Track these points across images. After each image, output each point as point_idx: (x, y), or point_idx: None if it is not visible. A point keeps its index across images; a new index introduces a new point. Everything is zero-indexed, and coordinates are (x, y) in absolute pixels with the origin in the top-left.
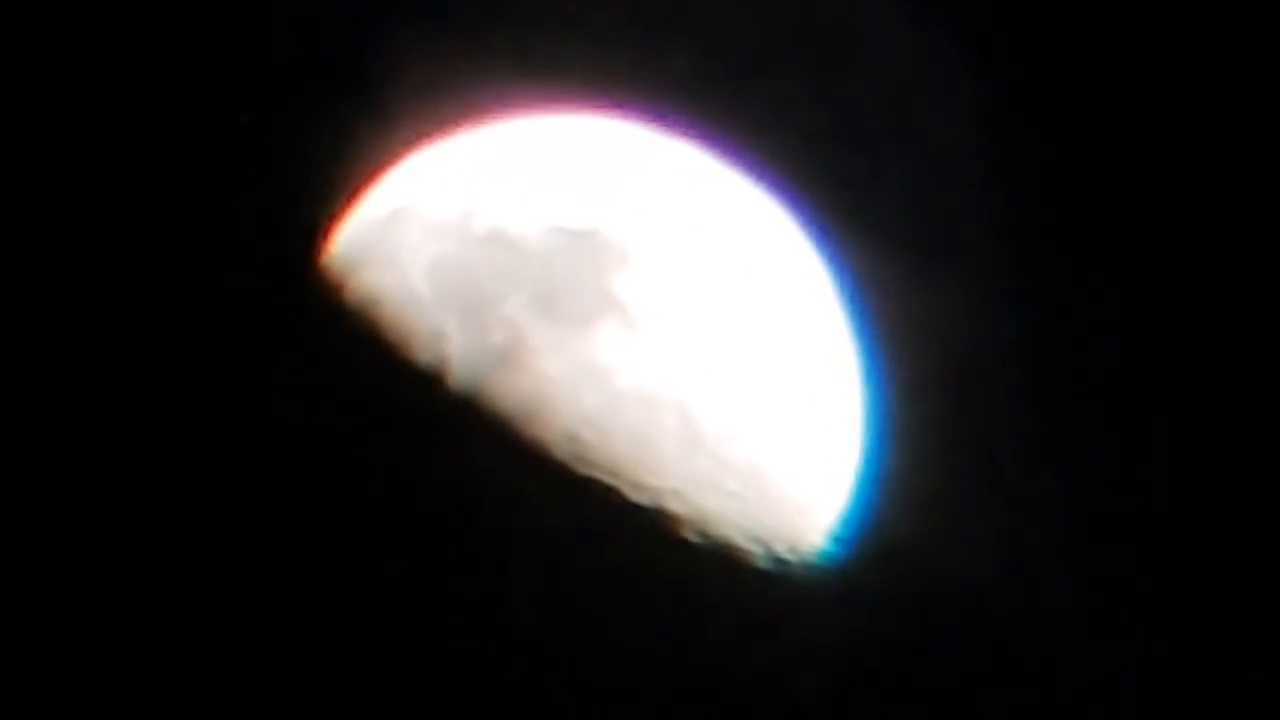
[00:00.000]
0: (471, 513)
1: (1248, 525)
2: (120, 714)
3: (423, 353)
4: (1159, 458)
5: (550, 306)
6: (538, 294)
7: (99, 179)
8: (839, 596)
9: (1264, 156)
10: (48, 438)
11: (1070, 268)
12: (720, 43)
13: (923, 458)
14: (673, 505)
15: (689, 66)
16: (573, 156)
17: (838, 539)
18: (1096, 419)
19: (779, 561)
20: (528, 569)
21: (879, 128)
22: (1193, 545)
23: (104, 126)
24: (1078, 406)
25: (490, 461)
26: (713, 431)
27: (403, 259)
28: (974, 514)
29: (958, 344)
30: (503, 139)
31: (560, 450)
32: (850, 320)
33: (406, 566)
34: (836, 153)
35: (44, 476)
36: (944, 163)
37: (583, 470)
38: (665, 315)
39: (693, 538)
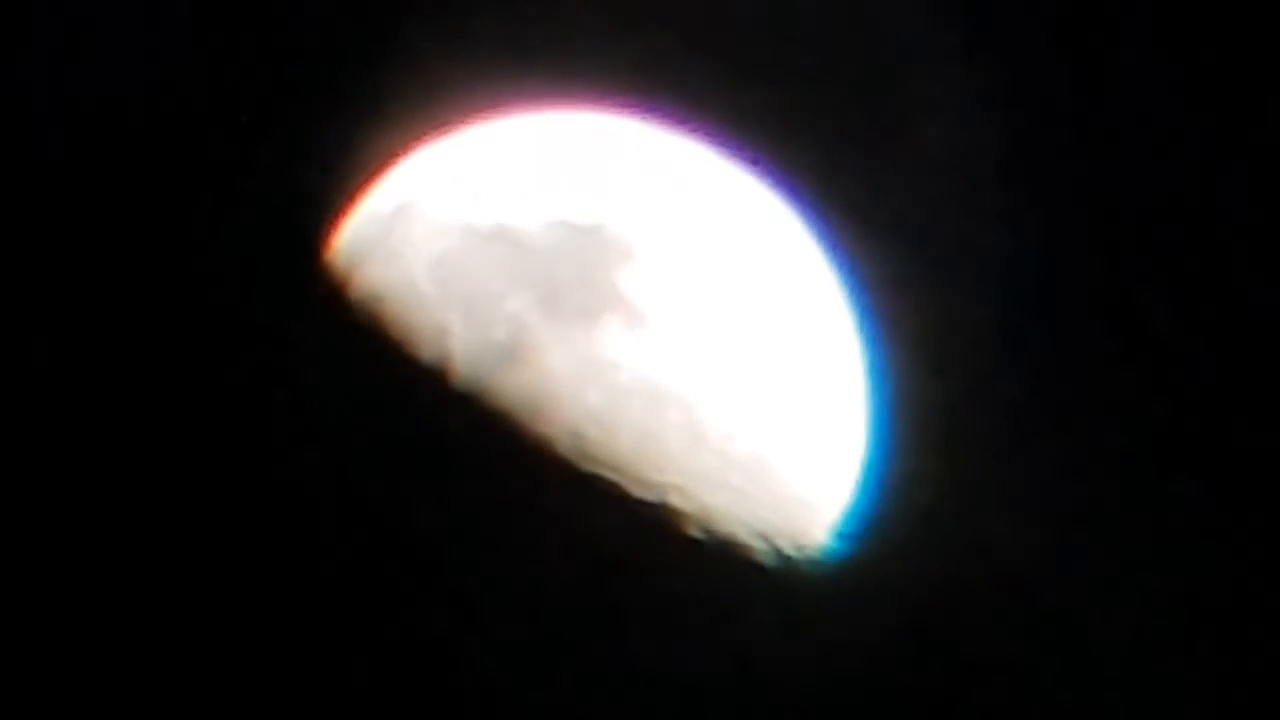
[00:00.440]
0: (475, 509)
1: (1249, 524)
2: (123, 714)
3: (426, 349)
4: (1163, 457)
5: (554, 303)
6: (542, 290)
7: (103, 177)
8: (843, 592)
9: (1267, 158)
10: (51, 435)
11: (1074, 265)
12: (725, 39)
13: (927, 454)
14: (677, 501)
15: (693, 63)
16: (577, 152)
17: (842, 535)
18: (1100, 416)
19: (783, 557)
20: (531, 565)
21: (885, 125)
22: (1194, 543)
23: (108, 123)
24: (1082, 404)
25: (494, 457)
26: (717, 427)
27: (406, 255)
28: (977, 511)
29: (962, 341)
30: (507, 135)
31: (564, 446)
32: (855, 316)
33: (409, 563)
34: (842, 150)
35: (47, 473)
36: (949, 160)
37: (587, 466)
38: (669, 311)
39: (697, 534)
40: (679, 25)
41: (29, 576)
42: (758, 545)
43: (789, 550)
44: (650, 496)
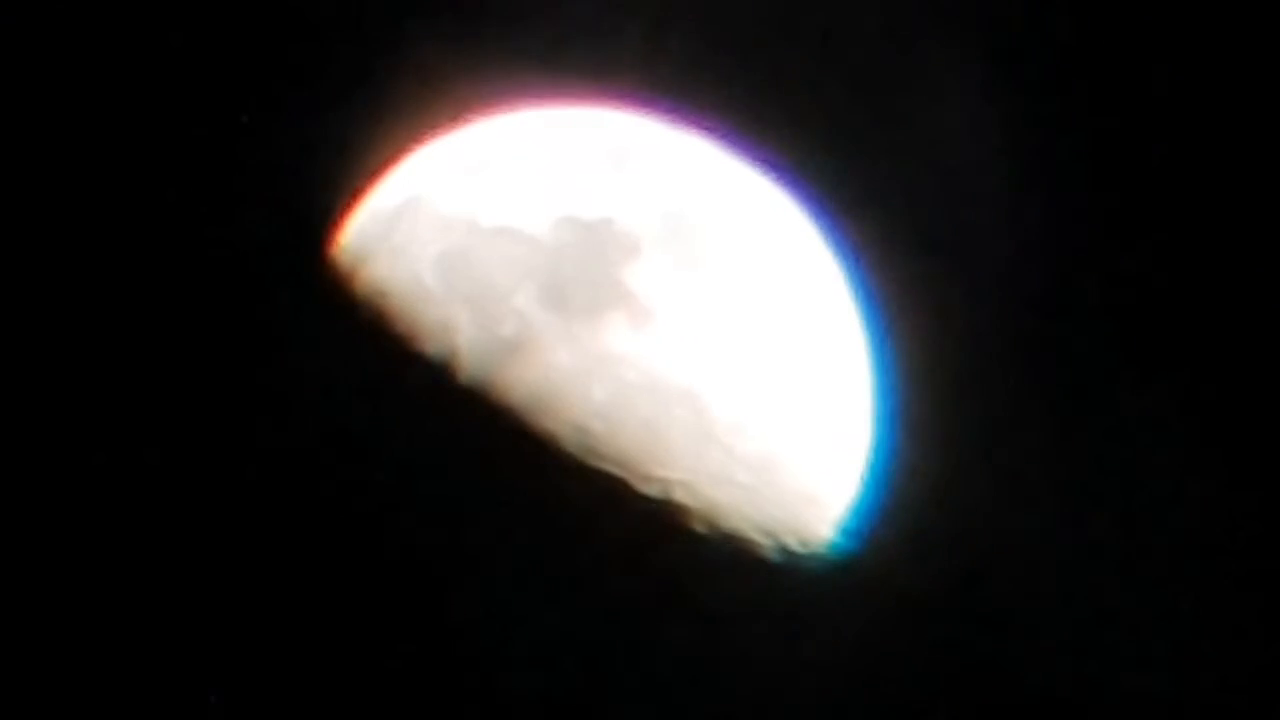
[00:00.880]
0: (480, 505)
1: (1252, 522)
2: (127, 713)
3: (432, 345)
4: (1168, 453)
5: (560, 298)
6: (547, 285)
7: (106, 175)
8: (848, 589)
9: (1271, 157)
10: (54, 432)
11: (1080, 263)
12: (731, 34)
13: (932, 450)
14: (682, 497)
15: (699, 58)
16: (582, 148)
17: (847, 531)
18: (1106, 412)
19: (788, 553)
20: (535, 561)
21: (891, 120)
22: (1196, 541)
23: (113, 119)
24: (1087, 403)
25: (500, 453)
26: (723, 423)
27: (412, 251)
28: (983, 506)
29: (968, 336)
30: (512, 131)
31: (569, 442)
32: (860, 312)
33: (413, 559)
34: (848, 144)
35: (51, 468)
36: (955, 155)
37: (592, 462)
38: (675, 307)
39: (702, 530)
40: (685, 20)
41: (34, 573)
42: (763, 541)
43: (794, 546)
44: (656, 492)
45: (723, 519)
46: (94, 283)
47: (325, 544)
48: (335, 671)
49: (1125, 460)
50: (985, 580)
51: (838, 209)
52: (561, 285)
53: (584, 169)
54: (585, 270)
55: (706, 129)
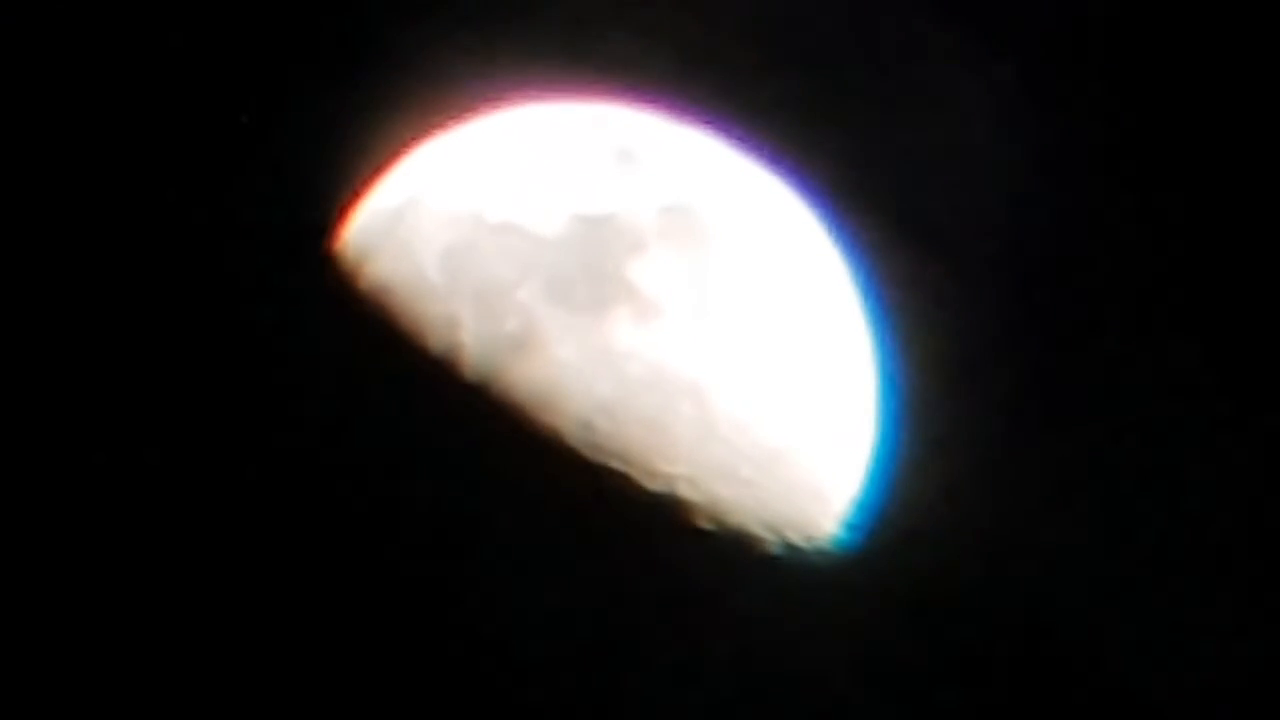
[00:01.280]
0: (483, 501)
1: (1255, 522)
2: (128, 713)
3: (436, 340)
4: (1174, 448)
5: (564, 293)
6: (551, 281)
7: (110, 173)
8: (853, 584)
9: (1273, 155)
10: (55, 428)
11: (1083, 260)
12: (738, 30)
13: (937, 445)
14: (686, 492)
15: (703, 53)
16: (586, 143)
17: (852, 527)
18: (1109, 411)
19: (793, 549)
20: (539, 557)
21: (896, 116)
22: (1201, 538)
23: (115, 118)
24: (1092, 399)
25: (503, 449)
26: (727, 419)
27: (416, 247)
28: (987, 501)
29: (973, 331)
30: (516, 126)
31: (574, 437)
32: (865, 307)
33: (416, 554)
34: (853, 141)
35: (51, 466)
36: (961, 150)
37: (596, 457)
38: (680, 302)
39: (706, 525)
40: (690, 16)
41: (36, 572)
42: (767, 536)
43: (799, 541)
44: (660, 487)
45: (727, 514)
46: (96, 281)
47: (329, 540)
48: (339, 669)
49: (1131, 455)
50: (989, 575)
51: (842, 204)
52: (566, 280)
53: (588, 164)
54: (590, 265)
55: (710, 124)
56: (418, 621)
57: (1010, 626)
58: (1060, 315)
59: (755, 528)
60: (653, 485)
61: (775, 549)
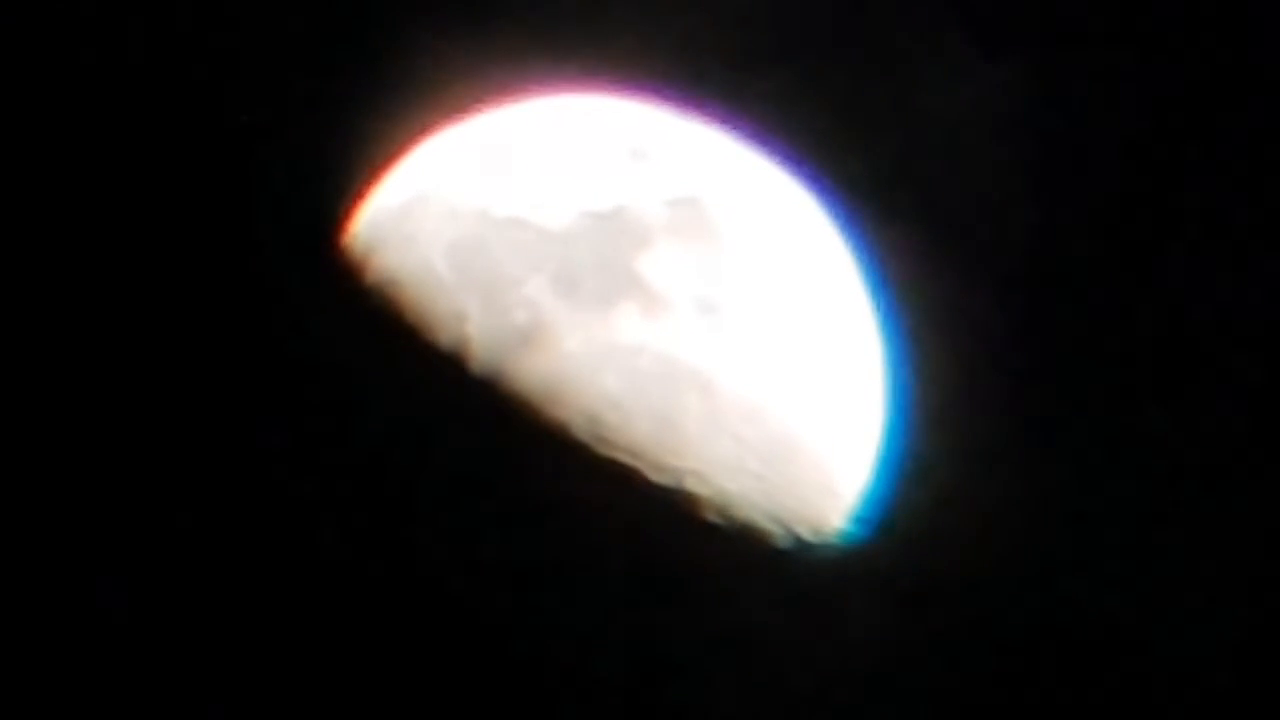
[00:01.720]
0: (491, 495)
1: (1256, 521)
2: (130, 714)
3: (444, 334)
4: (1178, 448)
5: (571, 287)
6: (559, 275)
7: (117, 172)
8: (860, 578)
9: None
10: (63, 426)
11: (1087, 258)
12: (742, 22)
13: (945, 440)
14: (694, 486)
15: (711, 47)
16: (594, 137)
17: (859, 520)
18: (1114, 408)
19: (800, 543)
20: (546, 551)
21: (907, 110)
22: (1201, 536)
23: (121, 117)
24: (1098, 392)
25: (511, 443)
26: (735, 412)
27: (423, 241)
28: (995, 496)
29: (981, 326)
30: (523, 120)
31: (581, 431)
32: (873, 301)
33: (424, 549)
34: (862, 136)
35: (62, 462)
36: (972, 146)
37: (604, 451)
38: (687, 295)
39: (714, 519)
40: (697, 10)
41: (39, 572)
42: (775, 530)
43: (806, 535)
44: (668, 481)
45: (735, 508)
46: (105, 279)
47: (337, 535)
48: (346, 666)
49: (1138, 454)
50: (996, 570)
51: (851, 199)
52: (573, 274)
53: (596, 158)
54: (597, 259)
55: (718, 118)
56: (423, 616)
57: (1013, 622)
58: (1071, 310)
59: (763, 521)
60: (660, 479)
61: (782, 543)
